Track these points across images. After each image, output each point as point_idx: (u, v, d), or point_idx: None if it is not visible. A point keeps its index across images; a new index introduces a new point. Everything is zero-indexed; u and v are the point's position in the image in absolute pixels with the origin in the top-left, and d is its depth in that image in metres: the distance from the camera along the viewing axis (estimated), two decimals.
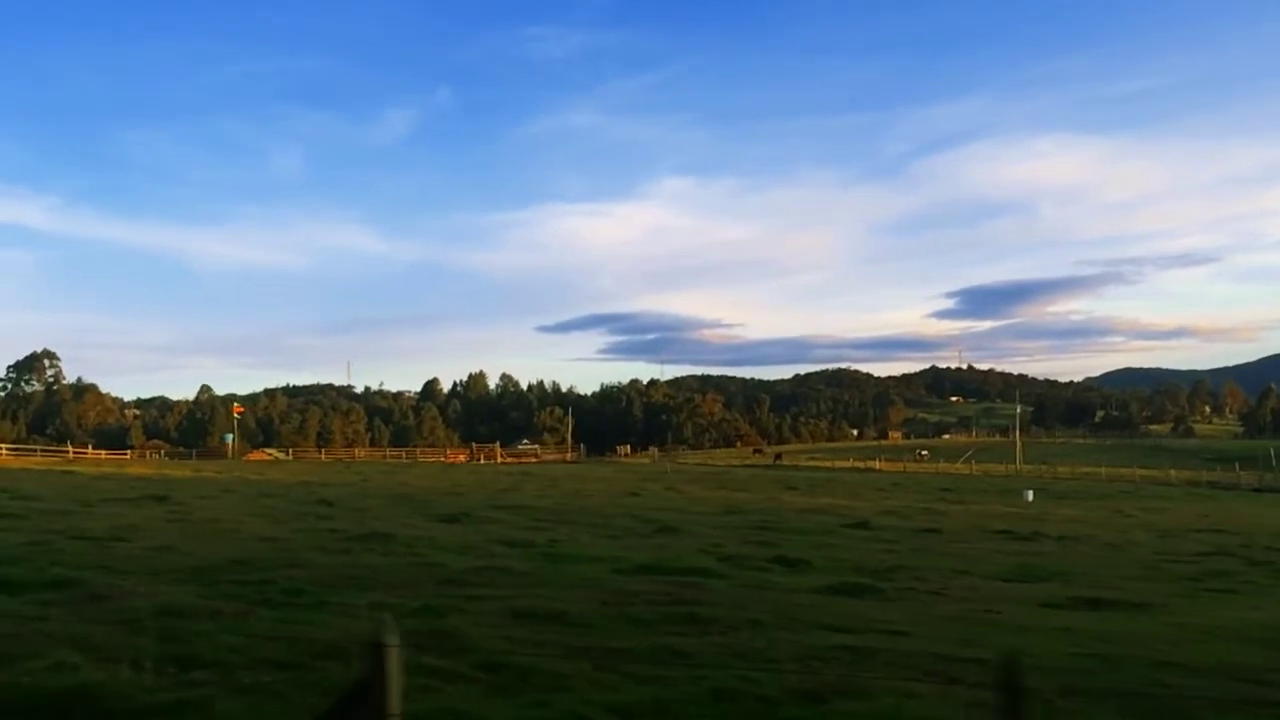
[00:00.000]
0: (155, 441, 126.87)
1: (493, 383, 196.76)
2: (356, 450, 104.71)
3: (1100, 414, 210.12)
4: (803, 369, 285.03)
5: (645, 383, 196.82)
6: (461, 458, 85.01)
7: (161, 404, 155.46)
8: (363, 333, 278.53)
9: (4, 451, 54.26)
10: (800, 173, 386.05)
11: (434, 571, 12.74)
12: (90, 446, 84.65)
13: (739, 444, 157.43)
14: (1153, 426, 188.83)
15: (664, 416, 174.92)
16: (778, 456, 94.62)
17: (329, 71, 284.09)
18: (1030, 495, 47.18)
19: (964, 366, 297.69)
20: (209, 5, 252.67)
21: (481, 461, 78.01)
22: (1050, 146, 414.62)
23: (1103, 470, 68.80)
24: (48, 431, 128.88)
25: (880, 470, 70.55)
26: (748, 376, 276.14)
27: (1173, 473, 66.71)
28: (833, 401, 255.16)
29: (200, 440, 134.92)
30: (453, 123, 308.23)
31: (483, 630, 9.09)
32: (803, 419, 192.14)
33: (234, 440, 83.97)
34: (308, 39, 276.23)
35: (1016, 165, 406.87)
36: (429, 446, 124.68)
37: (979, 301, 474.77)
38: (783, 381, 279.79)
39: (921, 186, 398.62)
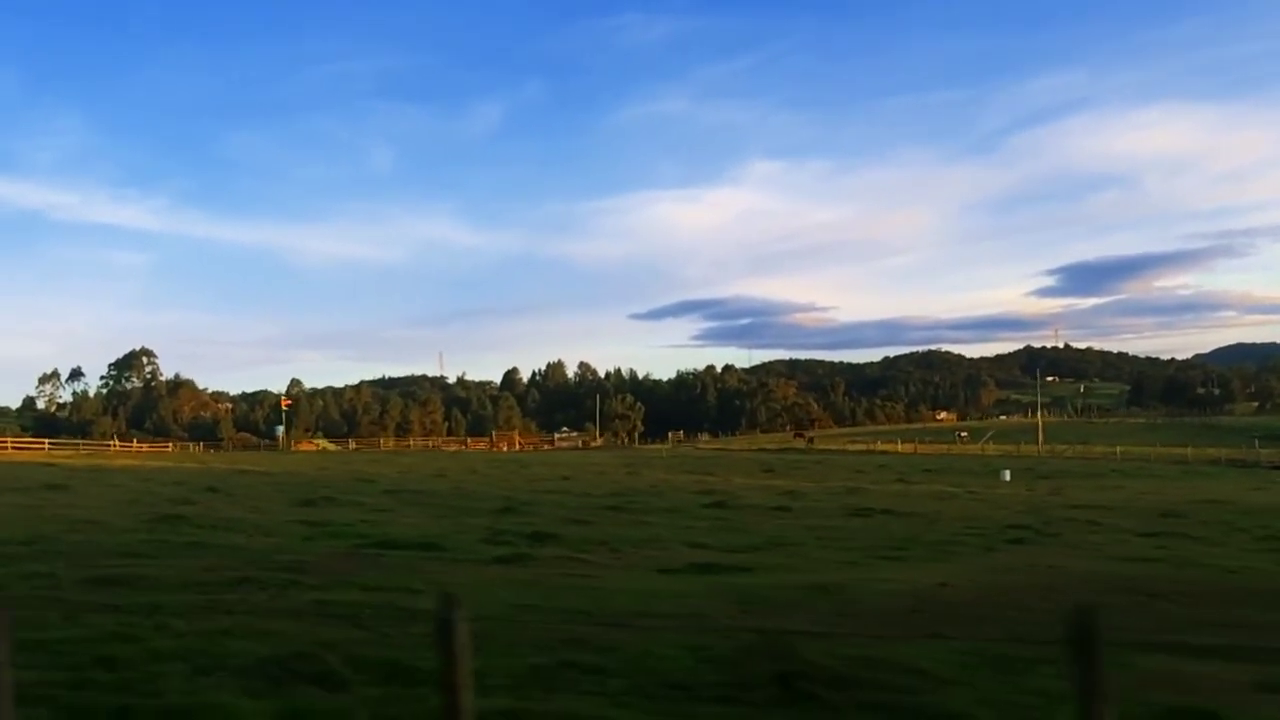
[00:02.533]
0: (243, 435, 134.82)
1: (571, 371, 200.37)
2: (411, 440, 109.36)
3: (1201, 391, 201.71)
4: (895, 351, 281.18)
5: (725, 368, 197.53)
6: (504, 446, 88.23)
7: (253, 398, 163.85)
8: (457, 324, 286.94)
9: (9, 446, 59.32)
10: (894, 152, 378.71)
11: (132, 547, 15.15)
12: (173, 441, 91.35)
13: (813, 427, 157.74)
14: (1238, 405, 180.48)
15: (737, 401, 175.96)
16: (810, 440, 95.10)
17: (421, 68, 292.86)
18: (1007, 475, 47.40)
19: (1060, 346, 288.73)
20: (304, 7, 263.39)
21: (504, 450, 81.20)
22: (1156, 116, 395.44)
23: (1117, 450, 67.50)
24: (145, 426, 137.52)
25: (897, 453, 70.71)
26: (838, 360, 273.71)
27: (1189, 450, 64.93)
28: (922, 384, 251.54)
29: (287, 429, 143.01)
30: (543, 114, 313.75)
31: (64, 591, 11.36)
32: (879, 402, 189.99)
33: (283, 432, 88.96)
34: (400, 37, 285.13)
35: (1120, 137, 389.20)
36: (504, 434, 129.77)
37: (1082, 278, 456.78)
38: (872, 364, 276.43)
39: (1020, 162, 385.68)
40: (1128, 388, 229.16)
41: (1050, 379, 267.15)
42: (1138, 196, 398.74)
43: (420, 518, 21.50)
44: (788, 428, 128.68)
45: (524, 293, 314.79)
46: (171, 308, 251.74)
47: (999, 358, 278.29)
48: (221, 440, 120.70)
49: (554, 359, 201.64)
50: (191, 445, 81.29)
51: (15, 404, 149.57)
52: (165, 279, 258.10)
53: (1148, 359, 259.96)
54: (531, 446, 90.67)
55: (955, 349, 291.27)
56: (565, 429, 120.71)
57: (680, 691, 7.31)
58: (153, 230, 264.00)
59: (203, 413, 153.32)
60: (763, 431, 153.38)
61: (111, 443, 70.35)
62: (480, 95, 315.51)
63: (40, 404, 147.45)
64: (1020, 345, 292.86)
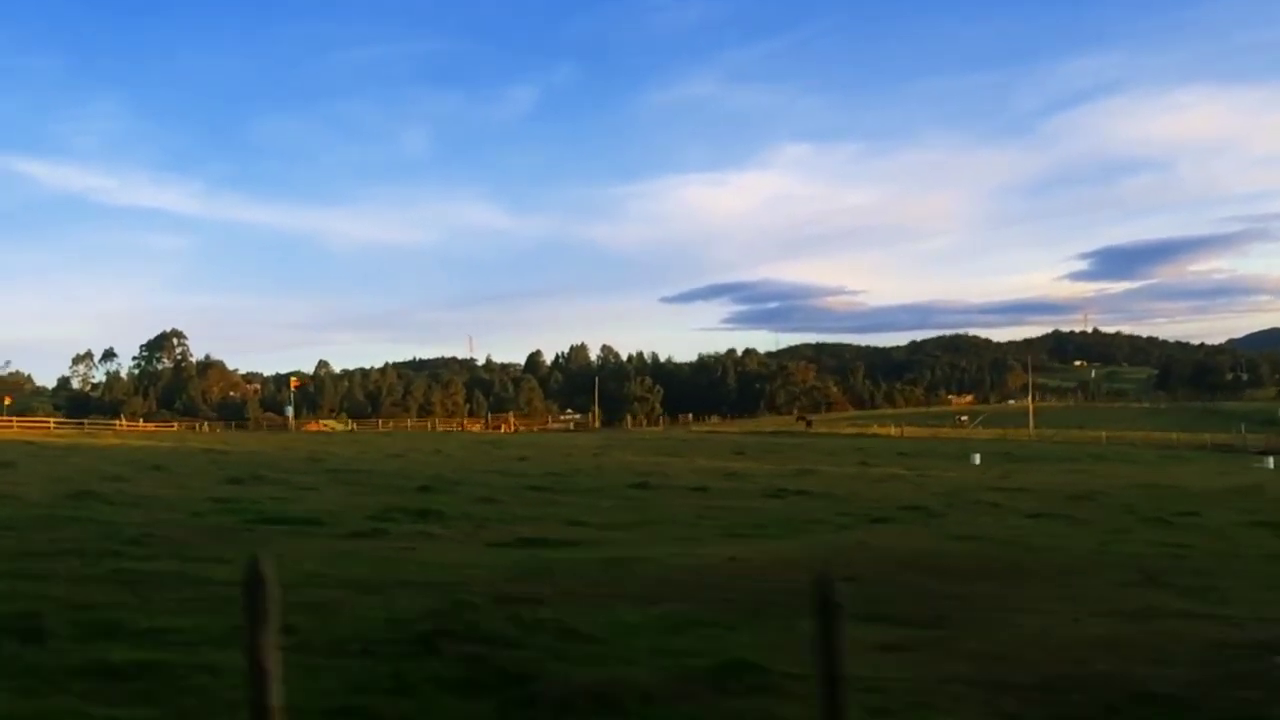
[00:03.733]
0: (269, 415, 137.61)
1: (594, 354, 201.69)
2: (432, 422, 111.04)
3: (1230, 376, 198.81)
4: (925, 335, 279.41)
5: (746, 352, 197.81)
6: (501, 428, 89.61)
7: (283, 379, 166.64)
8: (488, 307, 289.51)
9: (14, 425, 61.75)
10: (924, 135, 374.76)
11: (19, 521, 16.39)
12: (201, 421, 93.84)
13: (830, 409, 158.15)
14: (1263, 390, 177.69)
15: (757, 385, 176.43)
16: (808, 423, 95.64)
17: (454, 52, 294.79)
18: (977, 459, 47.98)
19: (1089, 330, 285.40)
20: None
21: (500, 431, 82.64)
22: (1191, 98, 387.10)
23: (1103, 435, 67.38)
24: (175, 406, 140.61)
25: (887, 436, 71.15)
26: (864, 344, 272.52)
27: (1176, 435, 64.75)
28: (949, 368, 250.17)
29: (312, 411, 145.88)
30: (574, 97, 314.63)
31: None
32: (898, 386, 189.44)
33: (291, 412, 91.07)
34: (432, 21, 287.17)
35: (1155, 119, 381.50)
36: (525, 417, 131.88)
37: (1114, 262, 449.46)
38: (898, 348, 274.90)
39: (1052, 145, 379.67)
40: (1155, 372, 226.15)
41: (1078, 363, 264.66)
42: (1172, 180, 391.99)
43: (334, 495, 22.64)
44: (794, 411, 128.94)
45: (555, 276, 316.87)
46: (207, 290, 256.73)
47: (1026, 342, 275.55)
48: (247, 420, 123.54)
49: (578, 341, 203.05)
50: (199, 425, 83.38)
51: (53, 384, 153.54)
52: (201, 262, 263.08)
53: (1177, 344, 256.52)
54: (525, 428, 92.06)
55: (983, 333, 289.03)
56: (570, 411, 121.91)
57: (339, 645, 8.26)
58: (190, 213, 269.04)
59: (232, 393, 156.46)
60: (781, 414, 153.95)
61: (118, 422, 72.59)
62: (513, 79, 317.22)
63: (75, 384, 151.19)
64: (1049, 329, 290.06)
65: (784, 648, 8.27)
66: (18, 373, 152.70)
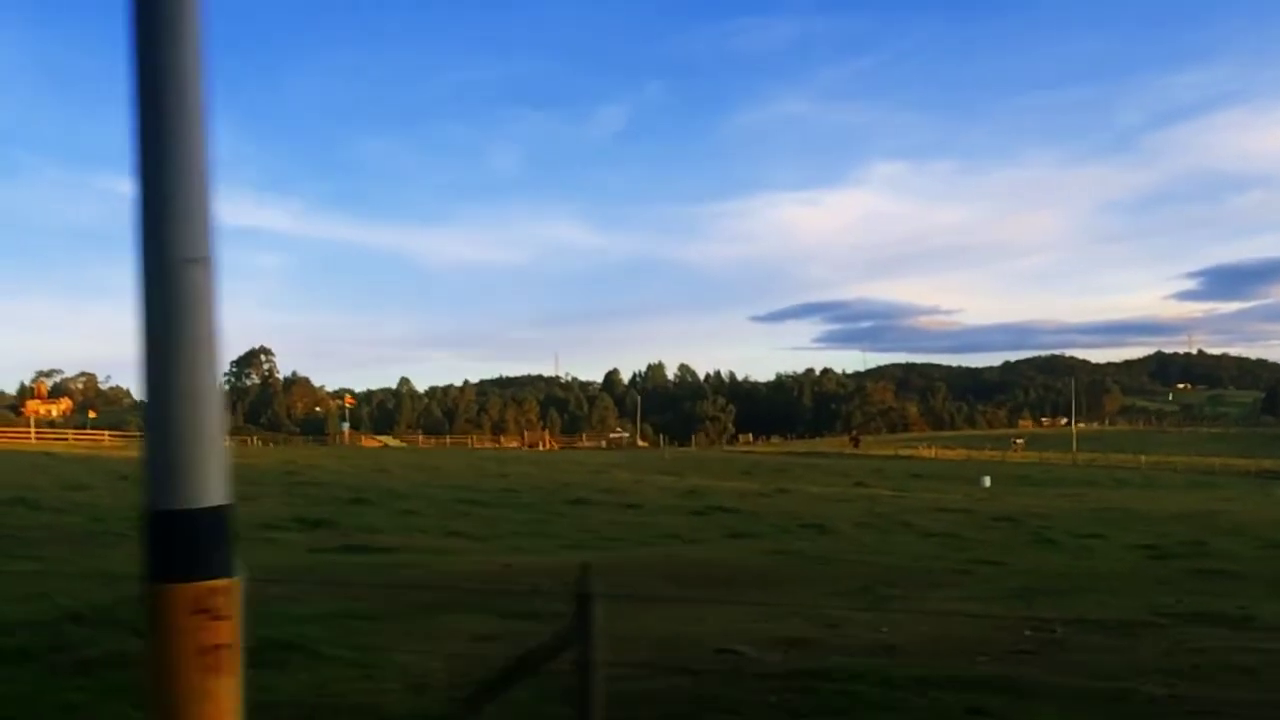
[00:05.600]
0: (344, 430, 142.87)
1: (671, 373, 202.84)
2: (504, 439, 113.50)
3: None
4: (1019, 355, 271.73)
5: (824, 372, 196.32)
6: (538, 445, 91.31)
7: (363, 396, 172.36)
8: (577, 325, 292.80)
9: (69, 438, 65.26)
10: (1023, 152, 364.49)
11: None
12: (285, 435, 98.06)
13: (903, 430, 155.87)
14: None
15: (833, 405, 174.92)
16: (855, 444, 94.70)
17: (544, 73, 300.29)
18: (987, 481, 47.44)
19: (1194, 352, 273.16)
20: (433, 16, 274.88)
21: (538, 448, 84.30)
22: None
23: (1142, 459, 64.94)
24: (261, 421, 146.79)
25: (920, 457, 70.12)
26: (955, 364, 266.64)
27: (1218, 461, 62.04)
28: (1043, 389, 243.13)
29: (389, 427, 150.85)
30: (664, 117, 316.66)
31: None
32: (979, 407, 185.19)
33: (347, 428, 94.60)
34: (525, 43, 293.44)
35: (1266, 134, 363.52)
36: (596, 434, 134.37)
37: (1225, 281, 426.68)
38: (991, 369, 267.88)
39: (1157, 161, 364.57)
40: (1262, 395, 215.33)
41: (1181, 386, 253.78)
42: None
43: (256, 505, 24.08)
44: (851, 433, 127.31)
45: (643, 294, 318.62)
46: (302, 307, 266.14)
47: (1126, 364, 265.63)
48: (327, 435, 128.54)
49: (666, 360, 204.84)
50: (250, 439, 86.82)
51: None
52: (297, 279, 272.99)
53: None
54: (562, 445, 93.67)
55: (1080, 354, 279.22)
56: (618, 430, 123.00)
57: None
58: (287, 232, 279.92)
59: (317, 408, 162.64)
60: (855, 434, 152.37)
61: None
62: (603, 99, 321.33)
63: None
64: (1151, 351, 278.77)
65: (365, 634, 9.27)
66: (117, 387, 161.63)
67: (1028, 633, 9.51)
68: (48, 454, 42.63)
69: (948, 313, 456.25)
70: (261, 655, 8.16)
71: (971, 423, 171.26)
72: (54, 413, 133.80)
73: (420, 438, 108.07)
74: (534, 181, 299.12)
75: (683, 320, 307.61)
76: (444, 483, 33.57)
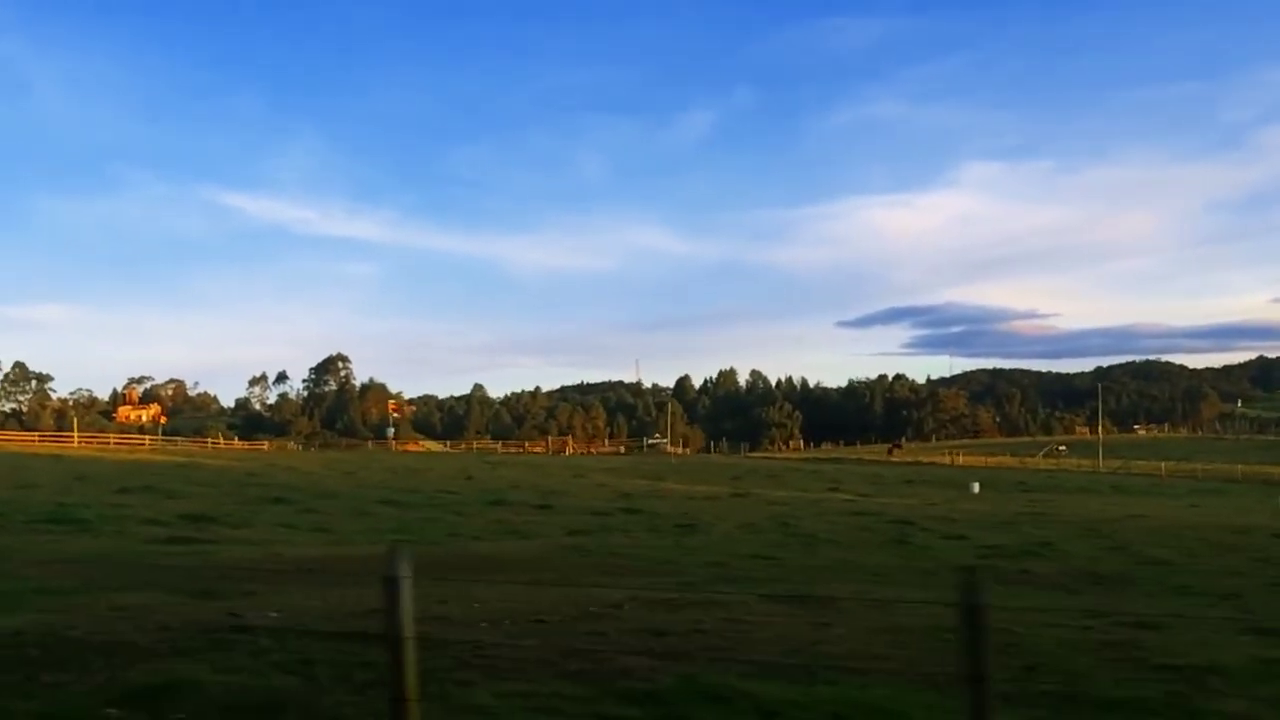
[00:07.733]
0: (414, 435, 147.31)
1: (743, 379, 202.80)
2: (568, 444, 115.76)
3: None
4: (1115, 360, 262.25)
5: (896, 378, 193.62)
6: (566, 451, 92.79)
7: (434, 402, 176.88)
8: (662, 331, 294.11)
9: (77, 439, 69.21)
10: (1123, 150, 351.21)
11: None
12: (359, 440, 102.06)
13: (979, 436, 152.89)
14: None
15: (904, 412, 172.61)
16: (890, 450, 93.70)
17: (630, 80, 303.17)
18: (976, 487, 47.34)
19: None
20: (520, 27, 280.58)
21: (566, 453, 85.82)
22: None
23: (1162, 466, 62.81)
24: (336, 426, 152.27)
25: (939, 464, 69.22)
26: (1046, 370, 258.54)
27: (1241, 468, 59.72)
28: (1137, 395, 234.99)
29: (459, 433, 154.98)
30: (751, 121, 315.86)
31: None
32: (1057, 414, 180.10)
33: (393, 433, 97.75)
34: (610, 50, 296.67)
35: None
36: (560, 440, 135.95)
37: None
38: (1083, 375, 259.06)
39: (1265, 158, 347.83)
40: None
41: None
42: None
43: (189, 503, 26.10)
44: (893, 443, 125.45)
45: (730, 300, 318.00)
46: (392, 314, 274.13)
47: (1226, 369, 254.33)
48: (385, 439, 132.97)
49: (748, 365, 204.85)
50: (289, 444, 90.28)
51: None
52: (387, 287, 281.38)
53: None
54: (585, 450, 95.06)
55: (1177, 359, 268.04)
56: (658, 436, 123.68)
57: None
58: (379, 242, 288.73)
59: (395, 414, 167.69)
60: (927, 441, 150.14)
61: (212, 439, 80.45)
62: (690, 104, 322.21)
63: (255, 405, 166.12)
64: (1254, 355, 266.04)
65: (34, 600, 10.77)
66: (204, 394, 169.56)
67: (592, 609, 10.52)
68: (56, 457, 46.01)
69: (1044, 316, 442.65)
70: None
71: (1047, 429, 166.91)
72: (144, 418, 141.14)
73: (474, 443, 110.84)
74: (619, 187, 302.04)
75: (769, 326, 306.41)
76: (391, 485, 35.30)
